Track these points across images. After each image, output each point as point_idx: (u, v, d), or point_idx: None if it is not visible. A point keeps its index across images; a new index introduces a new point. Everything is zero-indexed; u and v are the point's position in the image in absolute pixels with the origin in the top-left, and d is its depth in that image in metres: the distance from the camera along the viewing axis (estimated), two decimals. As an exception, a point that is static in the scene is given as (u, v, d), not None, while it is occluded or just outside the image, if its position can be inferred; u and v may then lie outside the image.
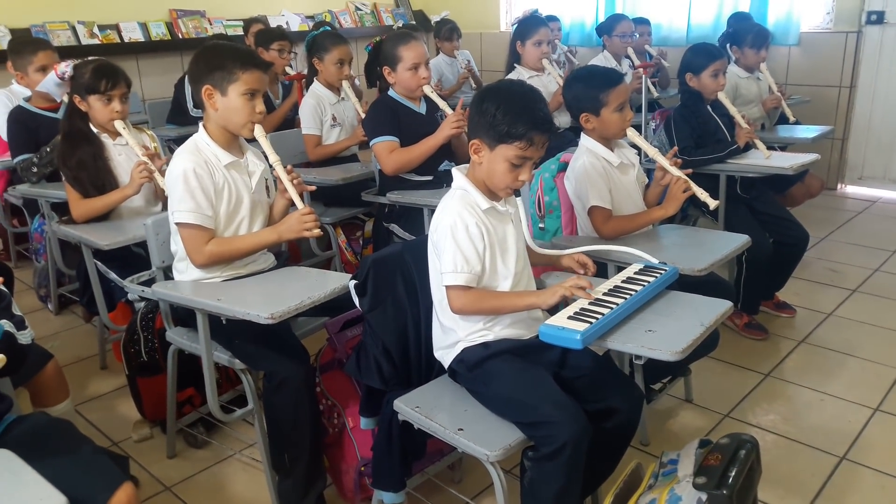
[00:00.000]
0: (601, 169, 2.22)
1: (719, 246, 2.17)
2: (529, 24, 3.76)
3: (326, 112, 3.45)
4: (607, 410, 1.67)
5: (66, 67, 2.63)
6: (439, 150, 2.85)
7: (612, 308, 1.62)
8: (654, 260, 1.87)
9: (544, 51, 3.69)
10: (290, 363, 1.95)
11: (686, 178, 2.20)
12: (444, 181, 2.87)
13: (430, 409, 1.70)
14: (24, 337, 1.46)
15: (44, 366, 2.10)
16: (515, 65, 3.77)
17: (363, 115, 3.38)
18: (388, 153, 2.86)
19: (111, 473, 1.38)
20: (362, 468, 2.03)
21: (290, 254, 2.57)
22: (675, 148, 2.32)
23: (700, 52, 3.00)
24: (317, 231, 2.04)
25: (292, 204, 2.09)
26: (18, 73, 3.33)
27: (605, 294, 1.68)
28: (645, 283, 1.74)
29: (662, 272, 1.81)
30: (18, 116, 3.16)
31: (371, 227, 3.35)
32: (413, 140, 2.86)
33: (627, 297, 1.67)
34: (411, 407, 1.71)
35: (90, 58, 2.63)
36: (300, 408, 1.95)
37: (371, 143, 2.93)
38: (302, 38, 4.95)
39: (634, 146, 2.35)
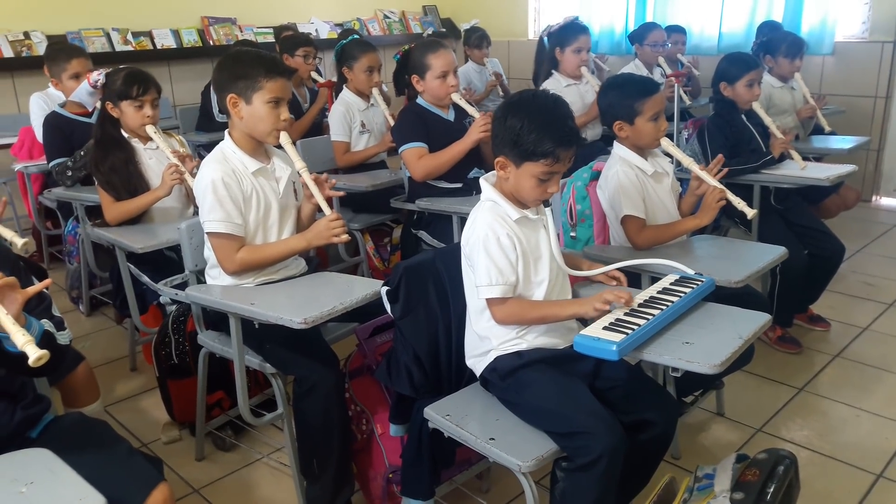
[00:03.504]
0: (635, 178, 2.20)
1: (755, 257, 2.13)
2: (570, 31, 3.69)
3: (355, 119, 3.46)
4: (642, 423, 1.64)
5: (98, 76, 2.68)
6: (469, 156, 2.84)
7: (648, 319, 1.59)
8: (689, 271, 1.84)
9: (583, 58, 3.64)
10: (321, 368, 1.95)
11: (722, 187, 2.17)
12: (474, 188, 2.85)
13: (460, 417, 1.69)
14: (63, 337, 1.48)
15: (76, 367, 2.13)
16: (553, 71, 3.71)
17: (392, 123, 3.39)
18: (416, 159, 2.87)
19: (147, 474, 1.39)
20: (390, 475, 2.02)
21: (319, 259, 2.58)
22: (720, 156, 2.28)
23: (735, 61, 2.97)
24: (345, 237, 2.05)
25: (319, 209, 2.10)
26: (54, 80, 3.39)
27: (640, 305, 1.66)
28: (681, 295, 1.72)
29: (699, 283, 1.78)
30: (53, 122, 3.21)
31: (399, 234, 3.35)
32: (442, 147, 2.85)
33: (663, 308, 1.65)
34: (442, 415, 1.70)
35: (121, 66, 2.67)
36: (330, 413, 1.95)
37: (400, 150, 2.94)
38: (331, 46, 5.00)
39: (668, 155, 2.32)
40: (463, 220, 2.68)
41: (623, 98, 2.21)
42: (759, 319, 1.70)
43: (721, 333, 1.63)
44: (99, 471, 1.28)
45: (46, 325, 1.44)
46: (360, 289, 1.94)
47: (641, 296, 1.71)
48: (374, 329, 2.16)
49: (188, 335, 2.32)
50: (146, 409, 2.67)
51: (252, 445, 2.39)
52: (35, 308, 1.44)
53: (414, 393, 1.81)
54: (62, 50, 3.43)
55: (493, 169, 1.77)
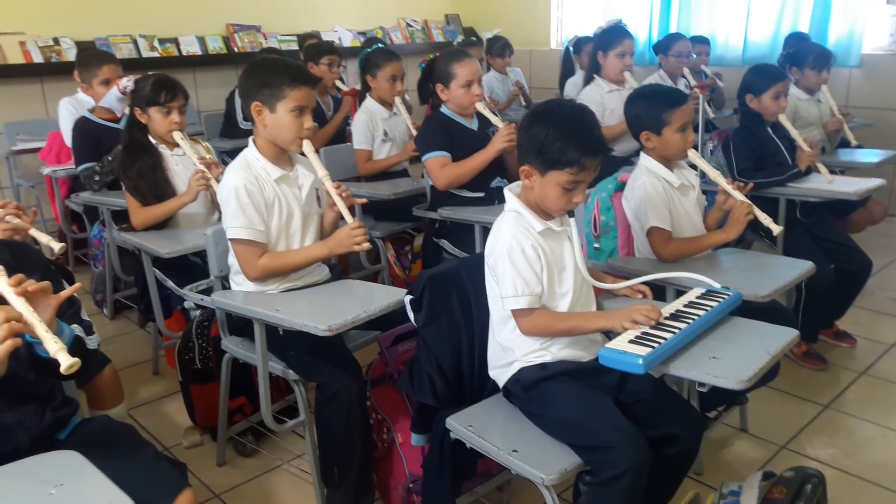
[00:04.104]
0: (661, 189, 2.18)
1: (782, 272, 2.11)
2: (614, 35, 3.64)
3: (378, 127, 3.48)
4: (666, 437, 1.62)
5: (127, 82, 2.72)
6: (491, 165, 2.84)
7: (674, 333, 1.58)
8: (716, 284, 1.83)
9: (627, 63, 3.57)
10: (343, 376, 1.96)
11: (749, 202, 2.15)
12: (496, 198, 2.86)
13: (483, 428, 1.68)
14: (91, 341, 1.50)
15: (102, 369, 2.15)
16: (595, 76, 3.66)
17: (414, 132, 3.40)
18: (440, 168, 2.87)
19: (173, 479, 1.40)
20: (411, 485, 2.02)
21: (342, 267, 2.59)
22: (751, 185, 2.27)
23: (762, 73, 2.94)
24: (366, 245, 2.05)
25: (341, 217, 2.11)
26: (84, 85, 3.44)
27: (666, 318, 1.64)
28: (708, 308, 1.70)
29: (725, 297, 1.76)
30: (83, 127, 3.26)
31: (420, 242, 3.35)
32: (465, 156, 2.86)
33: (690, 321, 1.63)
34: (464, 426, 1.69)
35: (150, 72, 2.71)
36: (352, 421, 1.95)
37: (423, 159, 2.95)
38: (353, 54, 5.04)
39: (693, 167, 2.30)
40: (485, 230, 2.69)
41: (650, 108, 2.20)
42: (786, 335, 1.68)
43: (748, 348, 1.61)
44: (125, 474, 1.29)
45: (77, 329, 1.46)
46: (384, 297, 1.95)
47: (667, 309, 1.69)
48: (395, 337, 2.16)
49: (212, 340, 2.34)
50: (168, 414, 2.68)
51: (273, 451, 2.40)
52: (65, 312, 1.46)
53: (436, 402, 1.80)
54: (93, 56, 3.48)
55: (517, 178, 1.77)
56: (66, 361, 1.22)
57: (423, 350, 1.82)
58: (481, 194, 2.89)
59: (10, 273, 1.30)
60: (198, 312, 2.42)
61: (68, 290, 1.37)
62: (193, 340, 2.35)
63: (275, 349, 2.03)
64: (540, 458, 1.56)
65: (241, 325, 2.16)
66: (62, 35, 4.73)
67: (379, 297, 1.94)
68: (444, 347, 1.81)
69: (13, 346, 1.22)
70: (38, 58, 4.61)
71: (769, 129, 2.97)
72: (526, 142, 1.67)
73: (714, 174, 2.24)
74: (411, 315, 1.82)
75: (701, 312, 1.68)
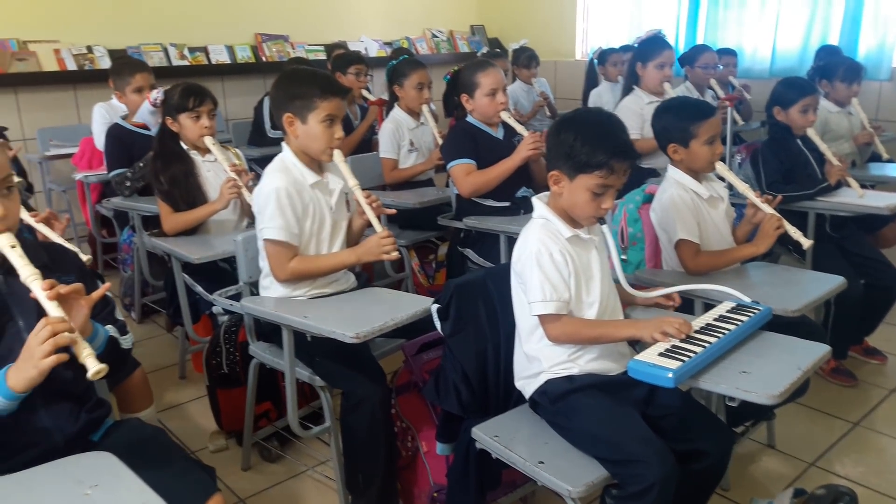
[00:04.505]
0: (690, 201, 2.17)
1: (812, 286, 2.09)
2: (653, 45, 3.62)
3: (404, 137, 3.51)
4: (695, 452, 1.61)
5: (157, 94, 2.78)
6: (517, 175, 2.85)
7: (704, 347, 1.57)
8: (746, 298, 1.81)
9: (667, 74, 3.54)
10: (369, 383, 1.97)
11: (779, 215, 2.13)
12: (522, 207, 2.86)
13: (509, 439, 1.68)
14: (125, 341, 1.52)
15: (132, 372, 2.18)
16: (634, 87, 3.63)
17: (440, 141, 3.42)
18: (464, 175, 2.88)
19: (203, 483, 1.42)
20: (435, 494, 2.02)
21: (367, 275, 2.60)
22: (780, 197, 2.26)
23: (791, 85, 2.92)
24: (395, 254, 2.07)
25: (369, 224, 2.13)
26: (117, 93, 3.51)
27: (696, 332, 1.63)
28: (738, 323, 1.69)
29: (755, 312, 1.75)
30: (115, 133, 3.32)
31: (445, 251, 3.36)
32: (490, 164, 2.87)
33: (720, 335, 1.62)
34: (490, 436, 1.69)
35: (178, 82, 2.76)
36: (377, 428, 1.96)
37: (448, 166, 2.96)
38: (380, 64, 5.08)
39: (721, 179, 2.29)
40: (510, 240, 2.70)
41: (678, 121, 2.19)
42: (818, 350, 1.67)
43: (779, 363, 1.59)
44: (156, 477, 1.30)
45: (111, 330, 1.48)
46: (411, 305, 1.96)
47: (697, 322, 1.68)
48: (421, 346, 2.17)
49: (239, 345, 2.36)
50: (194, 417, 2.71)
51: (297, 457, 2.41)
52: (100, 312, 1.49)
53: (462, 412, 1.81)
54: (126, 64, 3.55)
55: (543, 188, 1.77)
56: (94, 367, 1.25)
57: (449, 359, 1.82)
58: (507, 204, 2.90)
59: (46, 275, 1.33)
60: (226, 318, 2.45)
61: (99, 291, 1.40)
62: (221, 345, 2.38)
63: (302, 355, 2.04)
64: (566, 471, 1.56)
65: (268, 331, 2.18)
66: (95, 43, 4.81)
67: (406, 306, 1.95)
68: (469, 357, 1.81)
69: (57, 361, 1.25)
70: (71, 65, 4.70)
71: (799, 142, 2.95)
72: (555, 147, 1.68)
73: (742, 187, 2.23)
74: (438, 324, 1.83)
75: (731, 327, 1.67)
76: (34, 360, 1.23)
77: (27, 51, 4.57)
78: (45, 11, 4.60)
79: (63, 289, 1.29)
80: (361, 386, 1.95)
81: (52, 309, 1.28)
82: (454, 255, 3.14)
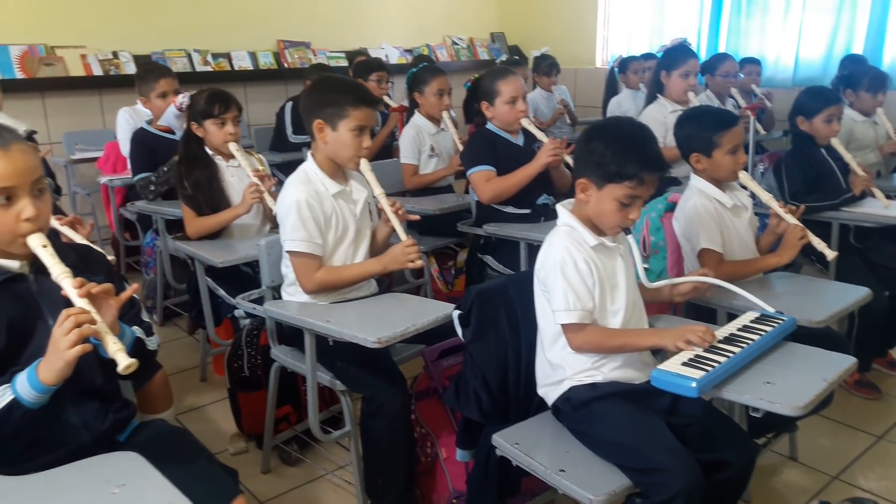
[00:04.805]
0: (713, 210, 2.16)
1: (837, 297, 2.07)
2: (679, 54, 3.59)
3: (425, 142, 3.53)
4: (718, 462, 1.60)
5: (183, 98, 2.81)
6: (537, 182, 2.85)
7: (728, 357, 1.56)
8: (769, 308, 1.80)
9: (691, 83, 3.51)
10: (389, 388, 1.98)
11: (803, 226, 2.12)
12: (542, 215, 2.86)
13: (530, 446, 1.68)
14: (151, 343, 1.54)
15: (154, 374, 2.21)
16: (658, 95, 3.60)
17: (461, 147, 3.43)
18: (484, 182, 2.89)
19: (226, 485, 1.43)
20: (454, 500, 2.02)
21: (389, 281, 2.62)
22: (803, 207, 2.24)
23: (815, 95, 2.90)
24: (419, 262, 2.09)
25: (394, 232, 2.14)
26: (142, 98, 3.56)
27: (720, 342, 1.62)
28: (762, 333, 1.68)
29: (779, 322, 1.74)
30: (140, 138, 3.37)
31: (464, 258, 3.37)
32: (510, 171, 2.86)
33: (744, 346, 1.61)
34: (510, 443, 1.69)
35: (204, 88, 2.79)
36: (397, 433, 1.96)
37: (468, 173, 2.96)
38: (400, 70, 5.11)
39: (744, 187, 2.28)
40: (530, 247, 2.71)
41: (701, 130, 2.18)
42: (843, 362, 1.65)
43: (804, 375, 1.58)
44: (181, 478, 1.31)
45: (137, 331, 1.50)
46: (432, 311, 1.97)
47: (721, 332, 1.67)
48: (441, 352, 2.17)
49: (260, 349, 2.38)
50: (214, 420, 2.73)
51: (316, 461, 2.42)
52: (126, 314, 1.50)
53: (482, 418, 1.81)
54: (151, 70, 3.60)
55: (563, 195, 1.77)
56: (124, 362, 1.26)
57: (470, 365, 1.83)
58: (527, 211, 2.90)
59: (75, 275, 1.35)
60: (247, 321, 2.47)
61: (128, 291, 1.42)
62: (243, 348, 2.40)
63: (323, 360, 2.05)
64: (588, 479, 1.55)
65: (290, 335, 2.20)
66: (121, 49, 4.89)
67: (427, 311, 1.96)
68: (490, 363, 1.82)
69: (82, 351, 1.26)
70: (97, 70, 4.78)
71: (823, 152, 2.92)
72: (584, 155, 1.68)
73: (766, 197, 2.22)
74: (459, 330, 1.84)
75: (755, 337, 1.66)
76: (60, 351, 1.25)
77: (55, 56, 4.65)
78: (72, 18, 4.68)
79: (94, 288, 1.31)
80: (382, 391, 1.96)
81: (81, 304, 1.29)
82: (473, 261, 3.14)
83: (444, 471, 2.07)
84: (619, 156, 1.61)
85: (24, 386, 1.27)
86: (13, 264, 1.40)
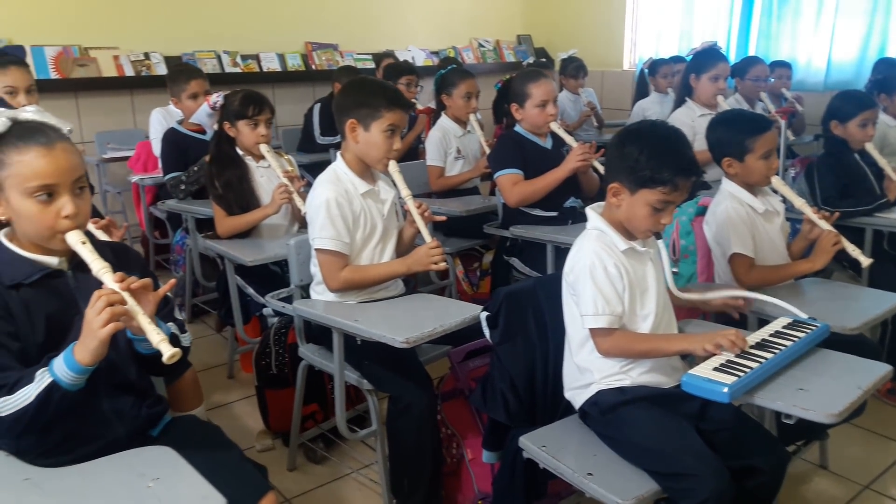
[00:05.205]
0: (745, 215, 2.14)
1: (871, 304, 2.03)
2: (708, 57, 3.56)
3: (451, 145, 3.54)
4: (748, 469, 1.58)
5: (217, 97, 2.85)
6: (565, 185, 2.84)
7: (760, 362, 1.54)
8: (802, 314, 1.78)
9: (720, 87, 3.47)
10: (416, 389, 1.99)
11: (836, 232, 2.09)
12: (570, 217, 2.86)
13: (557, 449, 1.67)
14: (185, 339, 1.56)
15: (185, 371, 2.23)
16: (687, 99, 3.57)
17: (487, 149, 3.44)
18: (511, 185, 2.89)
19: (257, 481, 1.45)
20: (479, 502, 2.02)
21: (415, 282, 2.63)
22: (837, 213, 2.21)
23: (849, 99, 2.86)
24: (444, 264, 2.10)
25: (419, 233, 2.16)
26: (174, 98, 3.61)
27: (751, 347, 1.61)
28: (795, 339, 1.65)
29: (812, 328, 1.72)
30: (171, 138, 3.41)
31: (489, 260, 3.37)
32: (537, 175, 2.87)
33: (777, 351, 1.59)
34: (538, 445, 1.68)
35: (238, 88, 2.83)
36: (423, 433, 1.97)
37: (495, 176, 2.97)
38: (427, 73, 5.12)
39: (777, 193, 2.26)
40: (557, 249, 2.70)
41: (733, 134, 2.16)
42: (878, 370, 1.63)
43: (838, 381, 1.56)
44: (213, 473, 1.33)
45: (172, 327, 1.52)
46: (460, 312, 1.97)
47: (752, 338, 1.65)
48: (467, 353, 2.18)
49: (288, 347, 2.40)
50: (241, 417, 2.76)
51: (342, 460, 2.44)
52: (161, 310, 1.52)
53: (509, 420, 1.81)
54: (182, 71, 3.65)
55: (591, 199, 1.77)
56: (168, 351, 1.28)
57: (497, 367, 1.83)
58: (554, 213, 2.89)
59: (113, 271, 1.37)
60: (275, 319, 2.49)
61: (165, 287, 1.44)
62: (271, 346, 2.42)
63: (351, 359, 2.07)
64: (616, 483, 1.54)
65: (317, 334, 2.22)
66: (152, 50, 4.97)
67: (455, 312, 1.97)
68: (518, 365, 1.82)
69: (115, 329, 1.28)
70: (129, 71, 4.86)
71: (856, 156, 2.88)
72: (617, 159, 1.67)
73: (799, 202, 2.19)
74: (487, 332, 1.84)
75: (788, 343, 1.64)
76: (94, 331, 1.27)
77: (88, 56, 4.74)
78: (105, 19, 4.77)
79: (134, 283, 1.34)
80: (409, 391, 1.97)
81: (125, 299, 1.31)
82: (499, 263, 3.15)
83: (469, 472, 2.07)
84: (653, 161, 1.60)
85: (62, 367, 1.30)
86: (52, 260, 1.43)
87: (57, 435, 1.40)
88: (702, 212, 2.28)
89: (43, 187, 1.35)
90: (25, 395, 1.30)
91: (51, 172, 1.35)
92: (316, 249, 2.11)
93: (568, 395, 1.79)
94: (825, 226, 2.13)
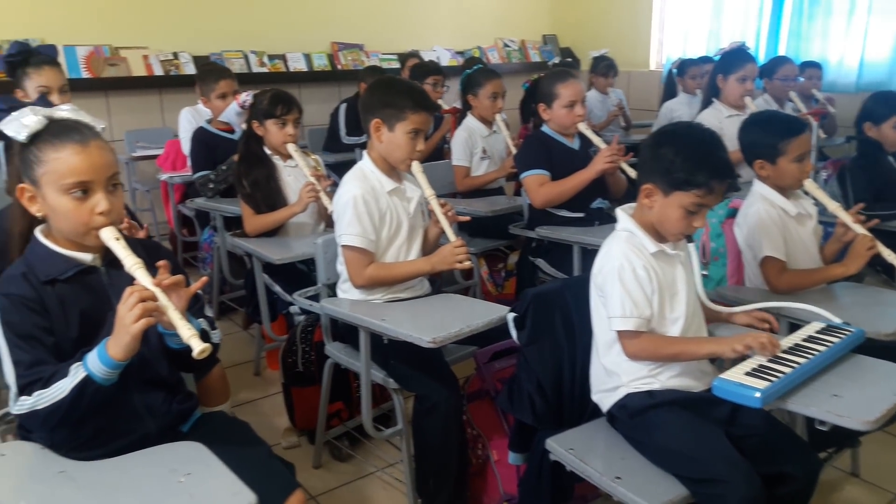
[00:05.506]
0: (777, 218, 2.11)
1: (907, 309, 1.99)
2: (736, 58, 3.50)
3: (477, 145, 3.53)
4: (780, 476, 1.56)
5: (246, 97, 2.87)
6: (592, 186, 2.82)
7: (793, 367, 1.52)
8: (836, 319, 1.75)
9: (748, 88, 3.42)
10: (442, 388, 1.99)
11: (871, 235, 2.05)
12: (597, 219, 2.84)
13: (584, 452, 1.66)
14: (215, 336, 1.58)
15: (212, 368, 2.25)
16: (713, 100, 3.52)
17: (514, 149, 3.43)
18: (538, 186, 2.88)
19: (285, 478, 1.46)
20: (504, 503, 2.01)
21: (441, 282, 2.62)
22: (860, 205, 2.16)
23: (884, 100, 2.81)
24: (468, 263, 2.09)
25: (443, 233, 2.16)
26: (203, 98, 3.65)
27: (784, 352, 1.58)
28: (829, 344, 1.63)
29: (847, 333, 1.68)
30: (201, 137, 3.45)
31: (514, 260, 3.36)
32: (564, 175, 2.85)
33: (810, 356, 1.56)
34: (565, 448, 1.67)
35: (265, 88, 2.85)
36: (449, 434, 1.97)
37: (522, 176, 2.96)
38: (452, 73, 5.12)
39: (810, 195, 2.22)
40: (584, 251, 2.68)
41: (766, 136, 2.13)
42: (915, 376, 1.59)
43: (873, 388, 1.53)
44: (243, 470, 1.34)
45: (203, 323, 1.54)
46: (486, 312, 1.96)
47: (785, 342, 1.63)
48: (493, 354, 2.17)
49: (314, 345, 2.41)
50: (266, 414, 2.78)
51: (366, 458, 2.45)
52: (192, 307, 1.54)
53: (535, 422, 1.80)
54: (212, 71, 3.68)
55: (619, 200, 1.75)
56: (199, 346, 1.29)
57: (524, 369, 1.82)
58: (581, 214, 2.87)
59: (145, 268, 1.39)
60: (302, 317, 2.51)
61: (198, 284, 1.46)
62: (297, 344, 2.44)
63: (377, 357, 2.07)
64: (644, 487, 1.53)
65: (344, 332, 2.23)
66: (181, 50, 5.03)
67: (482, 313, 1.96)
68: (545, 367, 1.80)
69: (147, 324, 1.30)
70: (158, 71, 4.92)
71: (891, 159, 2.83)
72: (651, 161, 1.66)
73: (833, 206, 2.15)
74: (514, 333, 1.83)
75: (822, 348, 1.61)
76: (126, 326, 1.29)
77: (118, 56, 4.81)
78: (135, 19, 4.84)
79: (166, 280, 1.35)
80: (435, 391, 1.97)
81: (157, 295, 1.33)
82: (524, 264, 3.13)
83: (494, 473, 2.07)
84: (688, 163, 1.58)
85: (95, 362, 1.32)
86: (86, 257, 1.45)
87: (89, 429, 1.42)
88: (732, 214, 2.25)
89: (78, 184, 1.37)
90: (60, 389, 1.32)
91: (86, 169, 1.37)
92: (342, 246, 2.12)
93: (595, 397, 1.77)
94: (860, 230, 2.09)
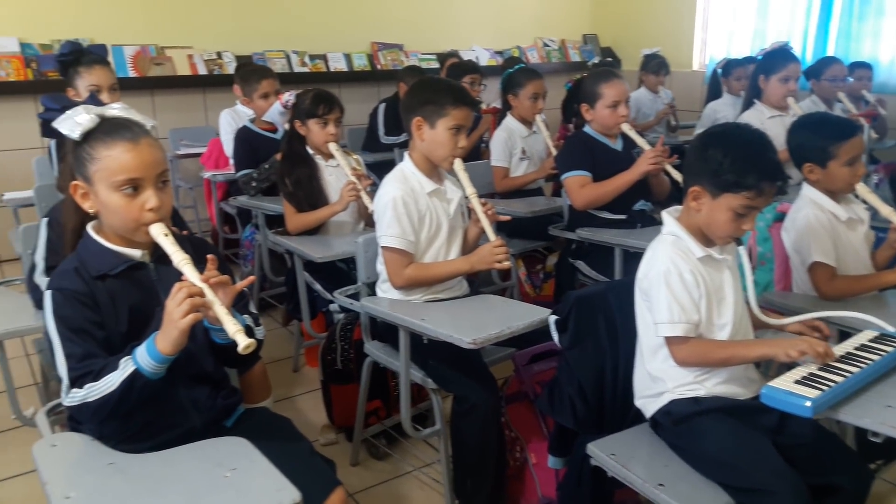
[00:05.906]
0: (826, 222, 2.06)
1: (965, 319, 1.92)
2: (778, 58, 3.45)
3: (516, 145, 3.51)
4: (829, 488, 1.52)
5: (289, 96, 2.91)
6: (635, 187, 2.78)
7: (845, 376, 1.48)
8: (890, 328, 1.69)
9: (791, 88, 3.36)
10: (481, 390, 1.98)
11: (927, 241, 1.99)
12: (639, 221, 2.80)
13: (626, 458, 1.64)
14: (259, 332, 1.60)
15: (254, 363, 2.28)
16: (755, 101, 3.46)
17: (554, 150, 3.40)
18: (579, 187, 2.85)
19: (327, 476, 1.47)
20: (542, 507, 2.00)
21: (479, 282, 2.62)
22: None
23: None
24: (507, 263, 2.09)
25: (483, 232, 2.15)
26: (245, 98, 3.69)
27: (835, 361, 1.54)
28: (882, 354, 1.58)
29: (901, 343, 1.63)
30: (244, 136, 3.50)
31: (553, 262, 3.33)
32: (606, 177, 2.81)
33: (863, 366, 1.52)
34: (606, 453, 1.65)
35: (309, 88, 2.88)
36: (488, 435, 1.96)
37: (563, 177, 2.93)
38: (491, 73, 5.11)
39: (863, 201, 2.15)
40: (626, 253, 2.65)
41: (816, 139, 2.08)
42: (973, 389, 1.53)
43: (929, 400, 1.48)
44: (285, 465, 1.36)
45: (247, 319, 1.56)
46: (527, 314, 1.95)
47: (836, 350, 1.58)
48: (532, 356, 2.16)
49: (353, 343, 2.43)
50: (304, 410, 2.81)
51: (403, 457, 2.45)
52: (237, 304, 1.56)
53: (576, 426, 1.78)
54: (254, 71, 3.73)
55: (662, 202, 1.72)
56: (244, 342, 1.31)
57: (566, 372, 1.80)
58: (623, 216, 2.83)
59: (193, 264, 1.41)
60: (341, 315, 2.52)
61: (244, 282, 1.47)
62: (336, 342, 2.45)
63: (416, 357, 2.08)
64: (688, 495, 1.50)
65: (383, 331, 2.23)
66: (224, 50, 5.12)
67: (522, 315, 1.95)
68: (587, 371, 1.79)
69: (195, 319, 1.32)
70: (202, 70, 5.01)
71: (947, 163, 2.73)
72: (699, 162, 1.63)
73: (886, 210, 2.09)
74: (555, 336, 1.81)
75: (875, 357, 1.56)
76: (174, 321, 1.31)
77: (164, 56, 4.91)
78: (180, 20, 4.94)
79: (213, 277, 1.37)
80: (474, 392, 1.96)
81: (205, 291, 1.35)
82: (564, 266, 3.11)
83: (532, 476, 2.05)
84: (738, 164, 1.55)
85: (144, 356, 1.34)
86: (135, 253, 1.48)
87: (137, 422, 1.45)
88: (780, 218, 2.20)
89: (129, 181, 1.40)
90: (110, 382, 1.35)
91: (136, 166, 1.40)
92: (382, 247, 2.13)
93: (639, 402, 1.75)
94: (913, 234, 2.02)
